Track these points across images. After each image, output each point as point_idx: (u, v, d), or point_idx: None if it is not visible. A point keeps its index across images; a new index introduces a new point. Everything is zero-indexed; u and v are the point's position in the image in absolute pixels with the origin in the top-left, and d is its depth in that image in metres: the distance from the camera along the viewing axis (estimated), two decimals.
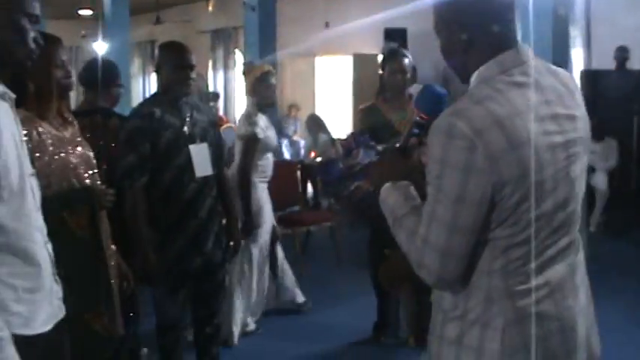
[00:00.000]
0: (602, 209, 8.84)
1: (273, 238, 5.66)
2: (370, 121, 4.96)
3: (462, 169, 1.81)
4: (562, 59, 7.46)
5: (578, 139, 1.98)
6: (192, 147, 3.98)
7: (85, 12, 15.99)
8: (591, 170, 8.62)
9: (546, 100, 1.93)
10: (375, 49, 12.16)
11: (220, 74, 16.13)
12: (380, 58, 11.66)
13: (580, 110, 2.03)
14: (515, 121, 1.83)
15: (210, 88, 13.65)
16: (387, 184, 2.14)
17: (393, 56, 4.95)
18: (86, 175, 3.10)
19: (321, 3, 13.27)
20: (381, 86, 5.10)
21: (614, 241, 8.29)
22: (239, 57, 15.62)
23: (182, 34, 15.76)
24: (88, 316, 3.10)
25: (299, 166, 8.53)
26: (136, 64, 18.40)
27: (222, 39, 16.11)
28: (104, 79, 4.30)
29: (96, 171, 3.20)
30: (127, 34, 9.38)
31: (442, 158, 1.84)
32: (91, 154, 3.21)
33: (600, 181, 8.83)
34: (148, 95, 18.20)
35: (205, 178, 4.06)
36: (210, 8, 11.24)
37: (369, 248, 5.19)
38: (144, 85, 18.79)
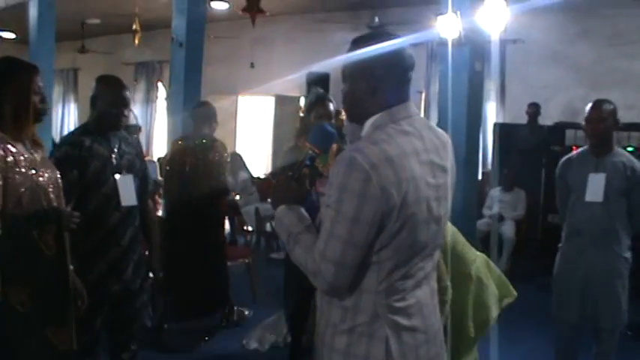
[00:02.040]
0: (509, 256, 9.06)
1: None
2: (293, 160, 5.11)
3: (358, 195, 2.16)
4: (476, 111, 7.76)
5: (444, 185, 2.38)
6: (118, 177, 4.11)
7: (8, 35, 15.75)
8: (500, 219, 8.97)
9: (425, 149, 2.32)
10: (297, 91, 12.44)
11: (142, 107, 16.08)
12: (302, 100, 11.95)
13: (450, 164, 2.45)
14: (402, 161, 2.22)
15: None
16: (282, 206, 2.46)
17: (320, 101, 5.11)
18: (54, 196, 3.25)
19: (247, 44, 13.48)
20: (303, 128, 5.28)
21: (520, 287, 8.48)
22: (161, 91, 15.69)
23: (106, 64, 15.77)
24: (50, 331, 3.23)
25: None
26: (56, 91, 18.16)
27: (146, 72, 16.12)
28: None
29: (62, 193, 3.34)
30: (51, 60, 9.31)
31: (342, 185, 2.19)
32: (59, 176, 3.35)
33: (508, 229, 9.08)
34: (66, 123, 18.11)
35: (129, 208, 4.17)
36: (136, 41, 11.28)
37: (284, 288, 5.29)
38: (63, 112, 18.43)
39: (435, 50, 11.30)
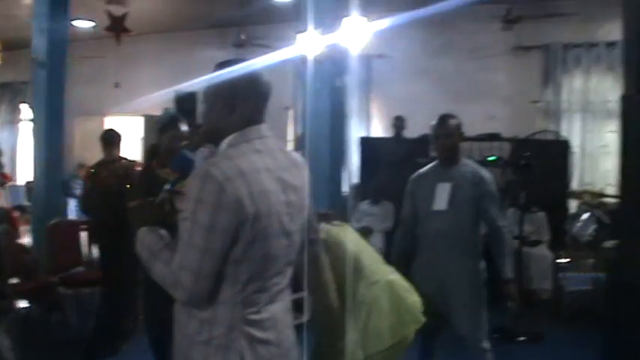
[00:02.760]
0: None
1: None
2: (149, 183, 5.02)
3: (213, 205, 2.27)
4: (339, 127, 7.85)
5: (296, 203, 2.52)
6: None
7: None
8: (369, 232, 9.08)
9: (277, 166, 2.46)
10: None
11: (5, 129, 15.53)
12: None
13: (302, 183, 2.60)
14: (254, 175, 2.36)
15: None
16: (143, 228, 2.55)
17: (173, 123, 5.02)
18: None
19: (112, 63, 13.23)
20: (153, 150, 5.21)
21: None
22: (26, 112, 15.20)
23: None
24: None
25: (83, 226, 8.23)
26: None
27: (9, 93, 15.62)
28: None
29: None
30: None
31: (198, 197, 2.29)
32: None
33: (377, 241, 9.14)
34: None
35: None
36: None
37: (145, 313, 5.21)
38: None
39: (300, 67, 11.39)
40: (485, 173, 4.81)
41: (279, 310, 2.50)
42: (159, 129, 5.02)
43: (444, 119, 4.81)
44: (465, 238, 4.70)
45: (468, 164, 4.89)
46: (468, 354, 4.75)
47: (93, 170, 6.79)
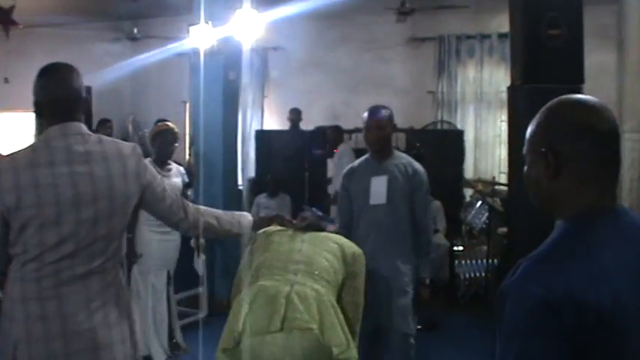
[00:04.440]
0: None
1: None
2: None
3: None
4: (232, 120, 7.79)
5: (93, 192, 2.70)
6: None
7: None
8: None
9: (69, 160, 2.69)
10: None
11: None
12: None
13: (116, 173, 2.77)
14: (26, 170, 2.62)
15: None
16: None
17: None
18: None
19: (0, 57, 12.82)
20: None
21: None
22: None
23: None
24: None
25: None
26: None
27: None
28: None
29: None
30: None
31: None
32: None
33: None
34: None
35: None
36: None
37: None
38: None
39: (194, 60, 11.29)
40: (419, 166, 4.73)
41: (71, 292, 2.69)
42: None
43: (374, 110, 4.65)
44: (401, 232, 4.60)
45: (402, 157, 4.80)
46: (394, 345, 4.71)
47: None
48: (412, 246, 4.65)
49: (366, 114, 4.66)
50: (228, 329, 3.34)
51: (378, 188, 4.60)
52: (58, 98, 2.79)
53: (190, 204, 3.14)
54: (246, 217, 3.35)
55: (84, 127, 2.81)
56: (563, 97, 1.76)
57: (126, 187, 2.80)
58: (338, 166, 8.94)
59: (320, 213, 4.06)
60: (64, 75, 2.85)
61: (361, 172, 4.76)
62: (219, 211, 3.26)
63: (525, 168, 1.80)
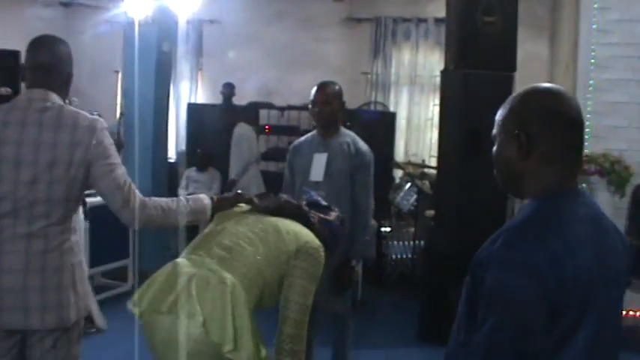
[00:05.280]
0: None
1: None
2: None
3: None
4: (164, 92, 7.71)
5: (39, 157, 2.86)
6: None
7: None
8: None
9: (21, 123, 2.90)
10: None
11: None
12: None
13: (67, 141, 2.90)
14: None
15: None
16: None
17: None
18: None
19: None
20: None
21: None
22: None
23: None
24: None
25: None
26: None
27: None
28: None
29: None
30: None
31: None
32: None
33: None
34: None
35: None
36: None
37: None
38: None
39: (128, 30, 11.12)
40: (363, 145, 4.67)
41: (12, 250, 2.86)
42: None
43: (321, 86, 4.59)
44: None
45: (348, 134, 4.72)
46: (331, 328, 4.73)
47: None
48: (351, 226, 4.46)
49: (314, 89, 4.59)
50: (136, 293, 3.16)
51: (318, 165, 4.57)
52: (34, 65, 3.01)
53: (140, 196, 3.06)
54: (202, 200, 3.26)
55: (52, 96, 2.98)
56: (536, 84, 1.94)
57: (69, 157, 2.90)
58: (235, 150, 9.04)
59: (319, 199, 3.83)
60: (43, 44, 3.06)
61: (305, 149, 4.72)
62: (167, 201, 3.16)
63: (495, 148, 1.96)
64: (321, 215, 3.57)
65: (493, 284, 1.70)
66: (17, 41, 11.22)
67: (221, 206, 3.38)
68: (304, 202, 3.66)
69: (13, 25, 11.55)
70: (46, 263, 2.89)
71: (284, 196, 3.65)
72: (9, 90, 11.15)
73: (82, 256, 3.14)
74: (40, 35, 3.09)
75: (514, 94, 1.94)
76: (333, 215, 3.65)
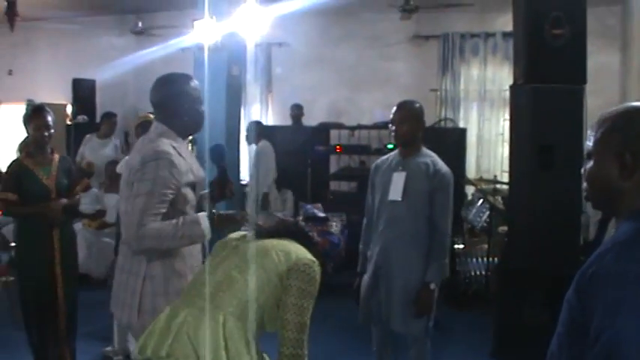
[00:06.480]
0: None
1: None
2: (19, 175, 5.04)
3: None
4: (235, 115, 7.83)
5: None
6: None
7: None
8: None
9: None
10: (63, 99, 11.97)
11: None
12: (69, 108, 11.58)
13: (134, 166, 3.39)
14: None
15: None
16: None
17: (37, 113, 5.04)
18: None
19: (5, 50, 12.85)
20: (23, 142, 5.14)
21: None
22: None
23: None
24: None
25: None
26: None
27: None
28: None
29: None
30: None
31: None
32: None
33: None
34: None
35: None
36: None
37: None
38: None
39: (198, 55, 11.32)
40: (443, 167, 4.56)
41: None
42: (23, 121, 5.08)
43: (400, 105, 4.57)
44: (417, 231, 4.47)
45: (428, 155, 4.63)
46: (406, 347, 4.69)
47: None
48: (428, 247, 4.46)
49: (394, 108, 4.58)
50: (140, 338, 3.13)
51: (397, 184, 4.52)
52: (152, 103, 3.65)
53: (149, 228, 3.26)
54: (198, 223, 3.39)
55: (159, 128, 3.55)
56: (636, 103, 1.92)
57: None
58: (255, 165, 9.03)
59: (317, 212, 3.92)
60: (156, 83, 3.67)
61: (385, 167, 4.68)
62: (164, 227, 3.32)
63: (590, 166, 1.94)
64: (319, 227, 3.62)
65: (609, 297, 1.70)
66: (93, 70, 11.68)
67: (218, 223, 3.52)
68: (301, 217, 3.74)
69: (87, 54, 11.92)
70: None
71: (279, 215, 3.84)
72: (85, 118, 11.50)
73: None
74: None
75: (612, 112, 1.92)
76: (331, 225, 3.71)
